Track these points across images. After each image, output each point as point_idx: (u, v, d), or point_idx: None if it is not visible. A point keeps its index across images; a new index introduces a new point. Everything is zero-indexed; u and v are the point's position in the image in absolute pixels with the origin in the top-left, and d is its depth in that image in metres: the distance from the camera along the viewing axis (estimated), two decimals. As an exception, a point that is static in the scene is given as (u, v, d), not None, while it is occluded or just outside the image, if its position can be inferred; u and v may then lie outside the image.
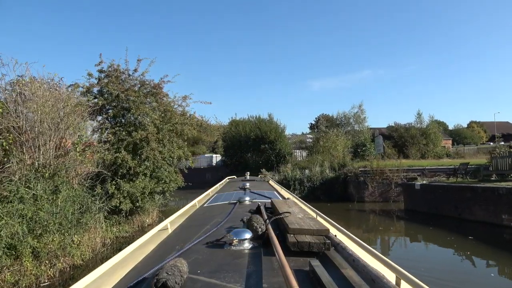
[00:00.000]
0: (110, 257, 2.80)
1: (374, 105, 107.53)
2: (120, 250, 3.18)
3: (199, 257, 2.52)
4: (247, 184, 7.68)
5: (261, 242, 2.71)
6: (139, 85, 14.05)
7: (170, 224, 4.34)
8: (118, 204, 12.63)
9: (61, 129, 11.66)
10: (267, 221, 2.99)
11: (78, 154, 11.69)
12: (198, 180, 41.13)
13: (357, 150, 29.98)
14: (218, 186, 9.86)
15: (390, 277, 2.01)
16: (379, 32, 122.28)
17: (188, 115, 15.46)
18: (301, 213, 3.35)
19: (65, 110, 11.69)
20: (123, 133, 13.26)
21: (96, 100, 13.28)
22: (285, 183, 25.45)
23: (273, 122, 35.40)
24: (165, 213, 16.73)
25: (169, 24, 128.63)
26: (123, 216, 13.39)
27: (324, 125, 39.34)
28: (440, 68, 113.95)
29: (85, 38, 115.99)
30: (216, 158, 44.06)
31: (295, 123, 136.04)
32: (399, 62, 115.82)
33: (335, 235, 2.81)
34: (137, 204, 13.06)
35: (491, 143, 55.33)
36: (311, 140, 38.52)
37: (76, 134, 12.11)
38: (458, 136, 61.94)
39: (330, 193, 24.15)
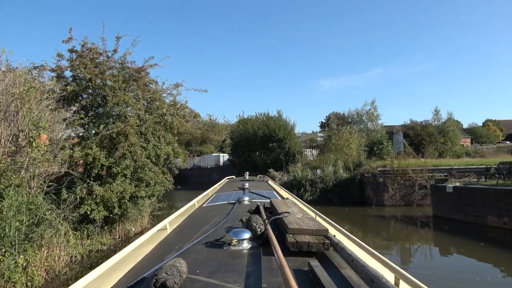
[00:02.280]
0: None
1: (386, 104, 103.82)
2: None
3: (198, 257, 2.43)
4: (246, 184, 7.37)
5: (260, 242, 2.61)
6: (119, 69, 11.38)
7: (169, 224, 4.22)
8: (88, 212, 9.97)
9: (18, 119, 9.10)
10: (266, 221, 2.86)
11: (37, 150, 9.06)
12: (206, 180, 38.73)
13: (373, 148, 26.90)
14: (217, 186, 9.49)
15: (389, 277, 1.93)
16: (390, 30, 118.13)
17: (179, 105, 12.68)
18: (300, 213, 3.22)
19: (21, 95, 9.11)
20: (101, 126, 10.62)
21: (67, 86, 10.63)
22: (295, 184, 22.64)
23: (282, 119, 32.54)
24: (160, 218, 14.07)
25: (172, 17, 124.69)
26: (97, 226, 10.73)
27: (335, 123, 36.50)
28: (454, 66, 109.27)
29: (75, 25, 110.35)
30: (224, 157, 41.39)
31: (305, 123, 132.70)
32: (411, 60, 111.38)
33: (334, 235, 2.68)
34: (114, 211, 10.37)
35: (508, 142, 51.91)
36: (321, 139, 35.73)
37: (37, 126, 9.48)
38: (473, 135, 58.68)
39: (344, 196, 21.19)
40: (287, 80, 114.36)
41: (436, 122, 37.29)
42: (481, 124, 68.60)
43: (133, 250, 3.07)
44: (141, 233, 13.04)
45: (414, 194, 19.33)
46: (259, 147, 31.49)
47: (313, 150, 34.09)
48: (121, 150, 9.90)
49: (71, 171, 9.90)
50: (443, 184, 15.79)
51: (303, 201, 16.96)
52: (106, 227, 11.83)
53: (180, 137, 50.89)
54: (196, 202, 6.16)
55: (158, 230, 3.91)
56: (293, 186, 22.43)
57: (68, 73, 11.32)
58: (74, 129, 10.49)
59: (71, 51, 10.96)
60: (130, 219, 12.88)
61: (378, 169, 20.03)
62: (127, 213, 11.51)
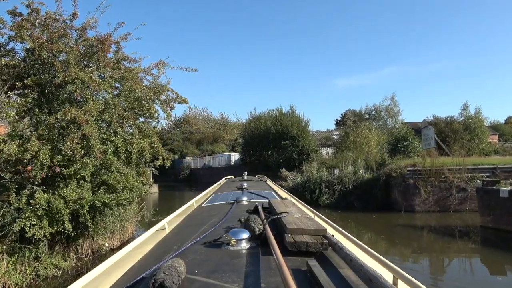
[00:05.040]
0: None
1: (401, 101, 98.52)
2: None
3: (196, 257, 2.38)
4: (245, 184, 7.08)
5: (259, 242, 2.56)
6: (76, 38, 8.40)
7: (168, 224, 4.04)
8: (27, 229, 7.01)
9: None
10: (265, 221, 2.79)
11: None
12: (216, 180, 35.84)
13: (397, 145, 23.34)
14: (215, 186, 9.03)
15: (387, 276, 1.92)
16: (404, 27, 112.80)
17: (160, 87, 9.56)
18: (298, 213, 3.14)
19: None
20: (59, 113, 7.61)
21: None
22: (309, 186, 19.38)
23: (295, 116, 29.29)
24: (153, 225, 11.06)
25: (173, 7, 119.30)
26: (45, 245, 7.76)
27: (351, 120, 33.19)
28: (471, 62, 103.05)
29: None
30: (234, 156, 38.42)
31: (319, 122, 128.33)
32: (426, 58, 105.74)
33: (333, 235, 2.65)
34: (64, 226, 7.36)
35: (533, 140, 47.53)
36: (337, 137, 32.44)
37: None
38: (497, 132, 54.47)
39: (366, 199, 17.73)
40: (300, 79, 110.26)
41: (463, 118, 33.57)
42: (503, 121, 63.92)
43: (132, 250, 2.91)
44: (120, 248, 10.11)
45: (450, 198, 15.82)
46: (271, 145, 28.43)
47: (329, 149, 30.89)
48: (69, 144, 6.90)
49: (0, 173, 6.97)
50: (495, 187, 12.29)
51: (319, 205, 14.33)
52: (67, 245, 8.91)
53: (191, 136, 48.41)
54: (195, 202, 5.90)
55: (156, 230, 3.71)
56: (307, 188, 19.19)
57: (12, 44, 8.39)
58: (4, 116, 7.49)
59: (12, 13, 7.98)
60: (103, 231, 9.95)
61: (407, 168, 16.56)
62: (93, 226, 8.51)
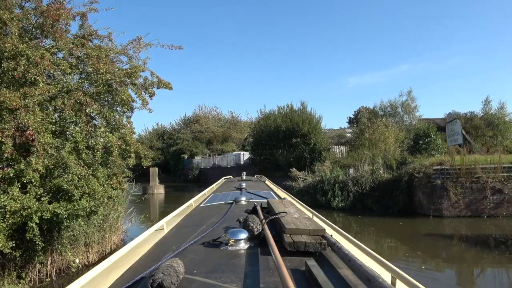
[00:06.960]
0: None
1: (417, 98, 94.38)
2: None
3: (195, 257, 2.32)
4: (243, 184, 6.80)
5: (258, 242, 2.51)
6: (26, 3, 6.54)
7: (166, 224, 3.91)
8: None
9: None
10: (264, 221, 2.71)
11: None
12: (226, 180, 34.03)
13: (418, 142, 20.97)
14: (214, 186, 8.71)
15: (386, 276, 1.92)
16: (418, 23, 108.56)
17: (134, 67, 7.50)
18: (297, 213, 3.04)
19: None
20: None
21: None
22: (320, 188, 17.26)
23: (306, 112, 27.13)
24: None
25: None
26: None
27: (366, 117, 30.84)
28: (486, 58, 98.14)
29: None
30: (244, 156, 36.47)
31: (331, 121, 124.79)
32: (442, 54, 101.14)
33: (331, 235, 2.56)
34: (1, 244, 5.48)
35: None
36: (350, 135, 30.18)
37: None
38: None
39: (386, 202, 15.55)
40: (309, 79, 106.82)
41: (483, 114, 30.88)
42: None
43: (130, 250, 2.79)
44: (97, 263, 8.27)
45: (484, 201, 13.47)
46: (281, 143, 26.38)
47: (342, 147, 28.62)
48: (-2, 139, 5.03)
49: None
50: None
51: (333, 208, 12.31)
52: (25, 263, 7.06)
53: (201, 135, 46.61)
54: (193, 202, 5.66)
55: (155, 230, 3.57)
56: (319, 190, 17.07)
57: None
58: None
59: None
60: (75, 245, 8.10)
61: (433, 167, 14.26)
62: (42, 243, 6.56)
